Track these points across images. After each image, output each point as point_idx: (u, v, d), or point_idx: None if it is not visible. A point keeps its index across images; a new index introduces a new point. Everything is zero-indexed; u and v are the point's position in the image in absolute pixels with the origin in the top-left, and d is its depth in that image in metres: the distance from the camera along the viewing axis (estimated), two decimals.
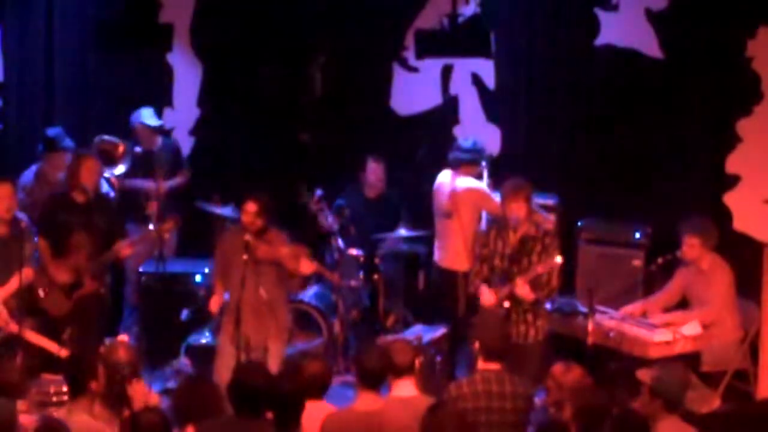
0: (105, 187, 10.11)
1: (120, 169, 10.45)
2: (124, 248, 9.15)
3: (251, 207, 8.69)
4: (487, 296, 8.59)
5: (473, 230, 9.47)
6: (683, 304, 9.33)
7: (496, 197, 9.53)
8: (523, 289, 8.47)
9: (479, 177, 9.83)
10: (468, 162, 9.72)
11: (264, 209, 8.69)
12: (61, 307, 8.97)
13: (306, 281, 10.14)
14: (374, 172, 10.71)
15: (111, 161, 10.38)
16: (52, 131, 10.23)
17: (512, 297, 8.52)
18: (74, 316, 8.94)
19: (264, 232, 8.76)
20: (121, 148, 10.43)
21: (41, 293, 8.88)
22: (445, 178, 9.77)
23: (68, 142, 10.07)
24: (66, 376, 6.89)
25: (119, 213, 9.71)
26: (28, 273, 8.60)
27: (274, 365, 8.45)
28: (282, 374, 6.95)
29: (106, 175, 10.18)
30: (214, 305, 8.93)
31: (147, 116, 10.67)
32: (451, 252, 9.66)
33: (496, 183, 9.95)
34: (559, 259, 8.45)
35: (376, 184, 10.74)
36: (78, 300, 9.01)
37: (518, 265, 8.56)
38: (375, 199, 10.79)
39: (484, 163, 9.88)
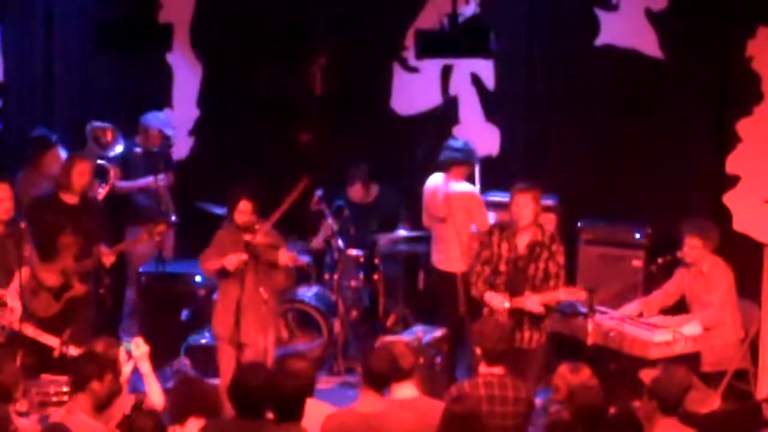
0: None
1: (118, 148, 10.55)
2: (106, 255, 9.04)
3: (246, 206, 8.57)
4: (498, 301, 8.49)
5: (468, 232, 9.47)
6: (680, 304, 9.31)
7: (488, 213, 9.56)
8: (537, 308, 8.43)
9: (471, 179, 9.82)
10: (460, 162, 9.69)
11: (257, 206, 8.58)
12: (48, 309, 8.92)
13: (292, 277, 10.05)
14: (357, 192, 10.72)
15: (104, 146, 10.50)
16: (39, 131, 10.27)
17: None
18: (63, 318, 8.88)
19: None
20: (109, 132, 10.55)
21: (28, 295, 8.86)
22: (436, 182, 9.75)
23: (55, 137, 10.19)
24: (72, 371, 6.87)
25: (113, 216, 9.73)
26: (26, 273, 8.57)
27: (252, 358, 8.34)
28: (278, 374, 6.90)
29: (101, 161, 10.23)
30: (231, 263, 8.53)
31: (165, 123, 10.72)
32: (449, 254, 9.65)
33: (491, 183, 10.00)
34: (584, 294, 8.46)
35: (357, 198, 10.76)
36: (67, 302, 8.98)
37: (526, 273, 8.53)
38: (362, 204, 10.77)
39: (477, 166, 9.87)
